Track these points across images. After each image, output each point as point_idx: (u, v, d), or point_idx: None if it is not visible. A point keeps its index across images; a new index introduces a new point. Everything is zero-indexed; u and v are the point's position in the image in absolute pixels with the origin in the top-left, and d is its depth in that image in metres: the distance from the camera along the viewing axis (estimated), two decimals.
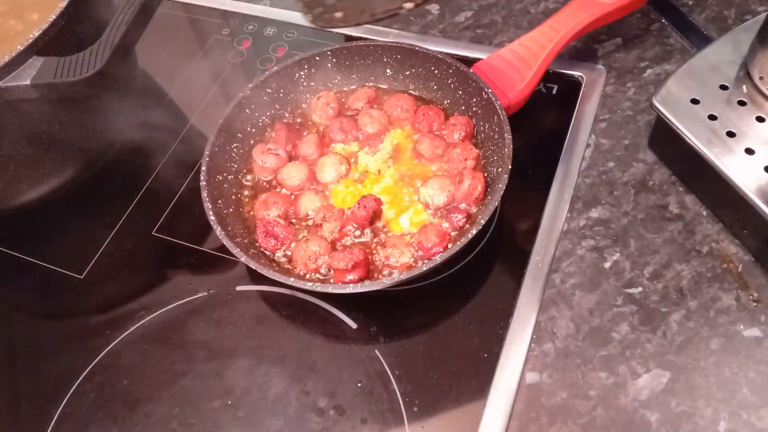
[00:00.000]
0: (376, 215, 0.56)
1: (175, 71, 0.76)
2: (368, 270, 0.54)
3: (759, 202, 0.50)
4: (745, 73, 0.56)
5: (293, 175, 0.60)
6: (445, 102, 0.64)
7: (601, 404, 0.49)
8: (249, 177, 0.62)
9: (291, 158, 0.62)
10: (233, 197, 0.59)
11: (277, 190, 0.61)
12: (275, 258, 0.56)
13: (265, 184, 0.61)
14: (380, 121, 0.63)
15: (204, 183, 0.56)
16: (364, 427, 0.50)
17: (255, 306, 0.57)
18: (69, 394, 0.54)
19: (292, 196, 0.60)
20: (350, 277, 0.52)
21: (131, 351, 0.56)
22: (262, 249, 0.56)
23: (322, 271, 0.54)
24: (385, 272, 0.54)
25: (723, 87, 0.56)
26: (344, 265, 0.52)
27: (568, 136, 0.64)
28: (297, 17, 0.79)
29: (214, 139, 0.59)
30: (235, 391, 0.53)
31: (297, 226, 0.57)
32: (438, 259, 0.51)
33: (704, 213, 0.58)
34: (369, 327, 0.55)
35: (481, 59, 0.64)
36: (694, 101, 0.56)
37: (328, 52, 0.65)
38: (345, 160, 0.60)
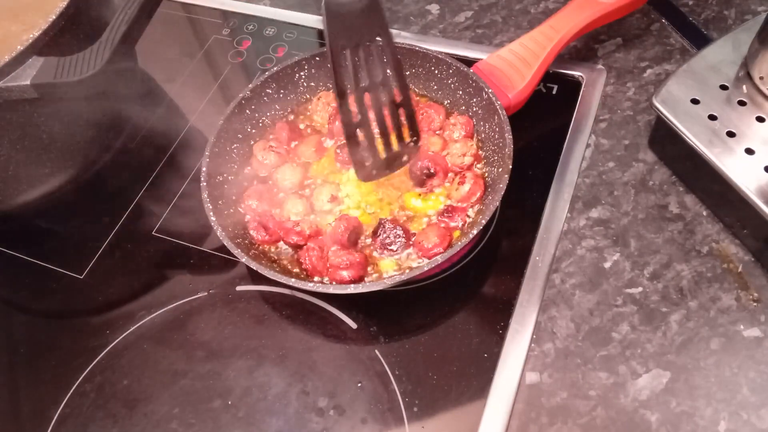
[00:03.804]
0: (357, 235, 0.56)
1: (175, 71, 0.76)
2: (365, 271, 0.54)
3: (759, 202, 0.50)
4: (745, 73, 0.56)
5: (287, 177, 0.60)
6: (446, 102, 0.64)
7: (601, 404, 0.49)
8: (248, 173, 0.62)
9: (289, 159, 0.62)
10: (233, 197, 0.59)
11: (269, 186, 0.61)
12: (276, 258, 0.56)
13: (260, 180, 0.61)
14: None
15: (204, 183, 0.56)
16: (364, 427, 0.50)
17: (255, 306, 0.57)
18: (69, 394, 0.54)
19: (282, 195, 0.60)
20: (344, 274, 0.53)
21: (131, 351, 0.56)
22: (255, 243, 0.56)
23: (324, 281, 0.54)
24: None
25: (723, 87, 0.56)
26: (339, 262, 0.53)
27: (568, 136, 0.64)
28: (297, 17, 0.79)
29: (214, 140, 0.59)
30: (235, 391, 0.53)
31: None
32: (439, 259, 0.51)
33: (704, 213, 0.58)
34: (369, 327, 0.55)
35: (481, 59, 0.64)
36: (694, 101, 0.56)
37: None
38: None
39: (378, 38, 0.52)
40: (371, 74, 0.52)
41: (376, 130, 0.54)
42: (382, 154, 0.55)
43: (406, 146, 0.56)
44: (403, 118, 0.55)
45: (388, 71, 0.53)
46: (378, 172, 0.55)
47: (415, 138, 0.56)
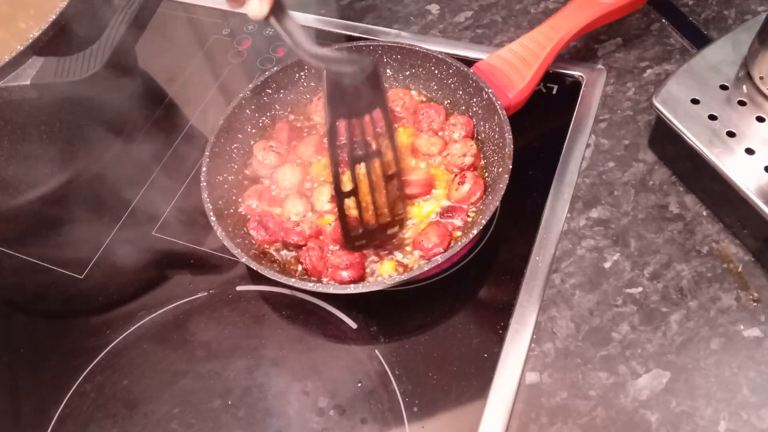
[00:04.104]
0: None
1: (175, 71, 0.76)
2: (365, 271, 0.54)
3: (759, 202, 0.50)
4: (745, 73, 0.56)
5: (287, 177, 0.60)
6: (446, 102, 0.64)
7: (601, 404, 0.49)
8: (248, 173, 0.62)
9: (289, 159, 0.62)
10: (233, 197, 0.59)
11: (269, 186, 0.61)
12: (276, 258, 0.56)
13: (260, 179, 0.61)
14: None
15: (204, 183, 0.56)
16: (364, 427, 0.50)
17: (255, 306, 0.57)
18: (69, 394, 0.54)
19: (282, 195, 0.60)
20: (344, 274, 0.53)
21: (131, 351, 0.56)
22: (255, 243, 0.56)
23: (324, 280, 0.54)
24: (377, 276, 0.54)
25: (723, 87, 0.56)
26: (338, 262, 0.53)
27: (568, 136, 0.64)
28: (297, 17, 0.79)
29: (214, 140, 0.59)
30: (235, 391, 0.53)
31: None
32: (439, 259, 0.51)
33: (704, 213, 0.58)
34: (369, 327, 0.55)
35: (481, 59, 0.64)
36: (694, 101, 0.56)
37: None
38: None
39: (377, 109, 0.51)
40: (366, 145, 0.52)
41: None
42: (371, 225, 0.54)
43: (394, 220, 0.55)
44: (394, 192, 0.54)
45: (384, 142, 0.52)
46: (366, 243, 0.54)
47: (401, 215, 0.55)
